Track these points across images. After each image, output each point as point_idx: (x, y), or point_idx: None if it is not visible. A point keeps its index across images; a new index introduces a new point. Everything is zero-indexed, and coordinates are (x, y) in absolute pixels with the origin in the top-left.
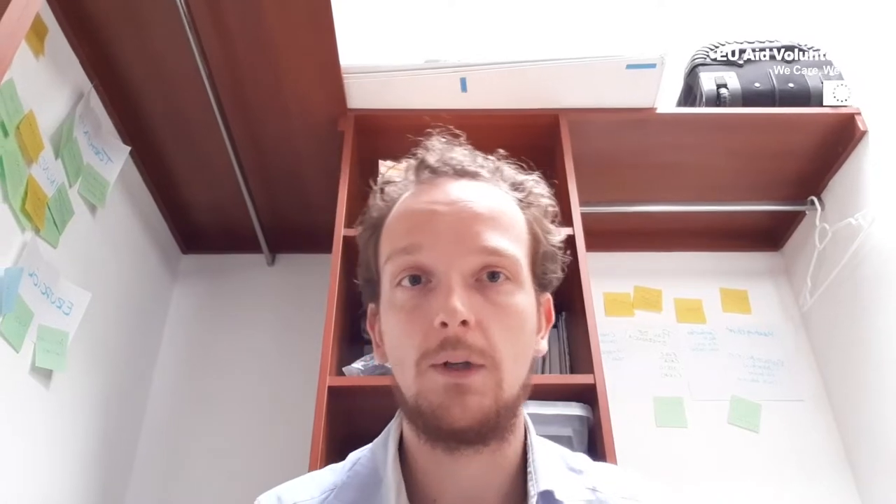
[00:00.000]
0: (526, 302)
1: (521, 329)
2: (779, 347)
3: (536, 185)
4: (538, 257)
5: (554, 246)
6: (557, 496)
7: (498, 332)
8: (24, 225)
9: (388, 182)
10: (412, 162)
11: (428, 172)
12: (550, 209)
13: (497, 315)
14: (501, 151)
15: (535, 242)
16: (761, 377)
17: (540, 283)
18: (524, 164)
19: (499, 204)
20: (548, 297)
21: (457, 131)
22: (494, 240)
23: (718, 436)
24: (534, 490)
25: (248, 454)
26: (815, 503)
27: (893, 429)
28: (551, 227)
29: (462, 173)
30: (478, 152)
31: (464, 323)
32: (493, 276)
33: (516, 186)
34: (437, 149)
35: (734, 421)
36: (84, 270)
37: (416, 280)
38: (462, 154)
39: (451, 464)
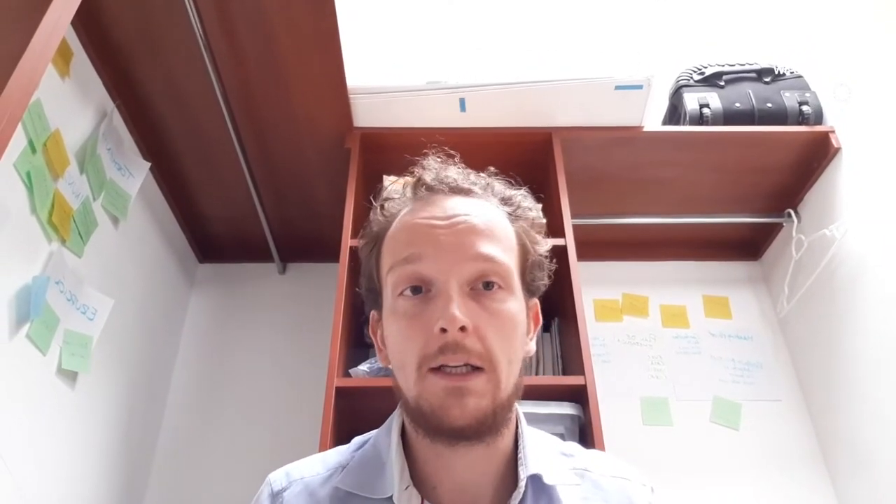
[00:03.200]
0: (517, 308)
1: (513, 333)
2: (758, 351)
3: (525, 199)
4: (527, 265)
5: (541, 255)
6: (546, 480)
7: (493, 337)
8: (51, 236)
9: (387, 199)
10: (409, 180)
11: (424, 190)
12: (538, 221)
13: (492, 321)
14: (492, 169)
15: (525, 252)
16: (741, 378)
17: (529, 289)
18: (513, 180)
19: (491, 217)
20: (535, 301)
21: (451, 151)
22: (488, 248)
23: (701, 433)
24: (523, 474)
25: (261, 451)
26: (792, 496)
27: (865, 426)
28: (538, 237)
29: (456, 190)
30: (470, 170)
31: (462, 329)
32: (488, 285)
33: (506, 201)
34: (432, 168)
35: (716, 419)
36: (107, 278)
37: (416, 290)
38: (456, 172)
39: (449, 455)
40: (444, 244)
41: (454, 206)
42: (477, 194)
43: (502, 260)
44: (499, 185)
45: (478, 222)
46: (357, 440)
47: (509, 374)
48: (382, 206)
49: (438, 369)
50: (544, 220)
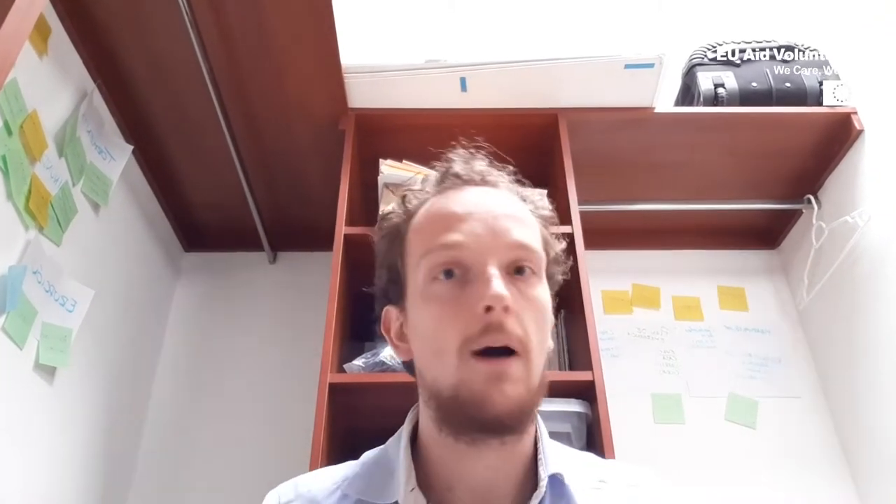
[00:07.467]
0: (547, 296)
1: (545, 320)
2: (776, 345)
3: (541, 198)
4: (550, 259)
5: (559, 252)
6: (566, 481)
7: (530, 322)
8: (28, 223)
9: (408, 191)
10: (435, 172)
11: (454, 179)
12: (552, 220)
13: (528, 305)
14: (510, 168)
15: (547, 245)
16: (758, 374)
17: (549, 284)
18: (523, 180)
19: (521, 208)
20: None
21: (482, 143)
22: (524, 236)
23: (716, 432)
24: (544, 474)
25: (251, 449)
26: (813, 498)
27: (890, 424)
28: (554, 236)
29: (485, 182)
30: (493, 165)
31: (506, 309)
32: (520, 270)
33: (525, 198)
34: (461, 159)
35: (731, 417)
36: (87, 268)
37: (449, 274)
38: (483, 165)
39: (471, 455)
40: (481, 230)
41: (486, 195)
42: (504, 187)
43: (536, 248)
44: (516, 184)
45: (512, 211)
46: (366, 454)
47: (539, 363)
48: (404, 198)
49: (480, 353)
50: (557, 220)
